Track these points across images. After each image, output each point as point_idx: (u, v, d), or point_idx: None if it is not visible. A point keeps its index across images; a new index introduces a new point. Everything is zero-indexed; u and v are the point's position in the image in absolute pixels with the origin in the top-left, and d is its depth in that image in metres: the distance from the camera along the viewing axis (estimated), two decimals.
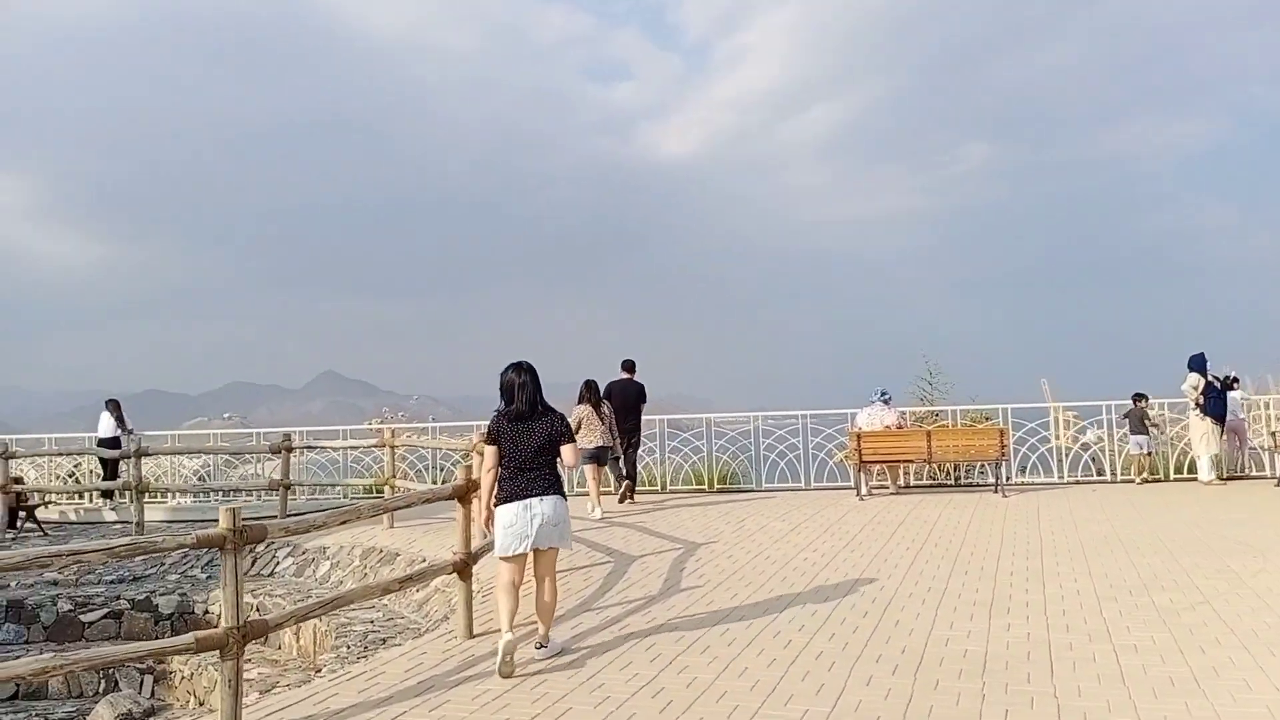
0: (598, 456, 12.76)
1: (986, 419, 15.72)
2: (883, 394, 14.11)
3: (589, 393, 12.89)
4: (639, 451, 14.84)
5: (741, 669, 5.71)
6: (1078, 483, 14.66)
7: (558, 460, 6.12)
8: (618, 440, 13.40)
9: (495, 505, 6.07)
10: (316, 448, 15.56)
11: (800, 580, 8.12)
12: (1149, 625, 6.38)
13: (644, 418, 15.01)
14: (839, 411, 15.63)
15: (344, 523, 6.01)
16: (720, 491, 15.30)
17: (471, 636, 6.83)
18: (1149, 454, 14.45)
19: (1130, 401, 14.58)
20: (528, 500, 5.91)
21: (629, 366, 14.70)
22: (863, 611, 6.96)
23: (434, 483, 14.31)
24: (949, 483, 14.94)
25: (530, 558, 6.08)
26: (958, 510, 11.96)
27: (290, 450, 13.74)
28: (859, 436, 13.41)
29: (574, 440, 6.26)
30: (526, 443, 5.98)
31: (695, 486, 15.51)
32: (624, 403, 14.59)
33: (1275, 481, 13.32)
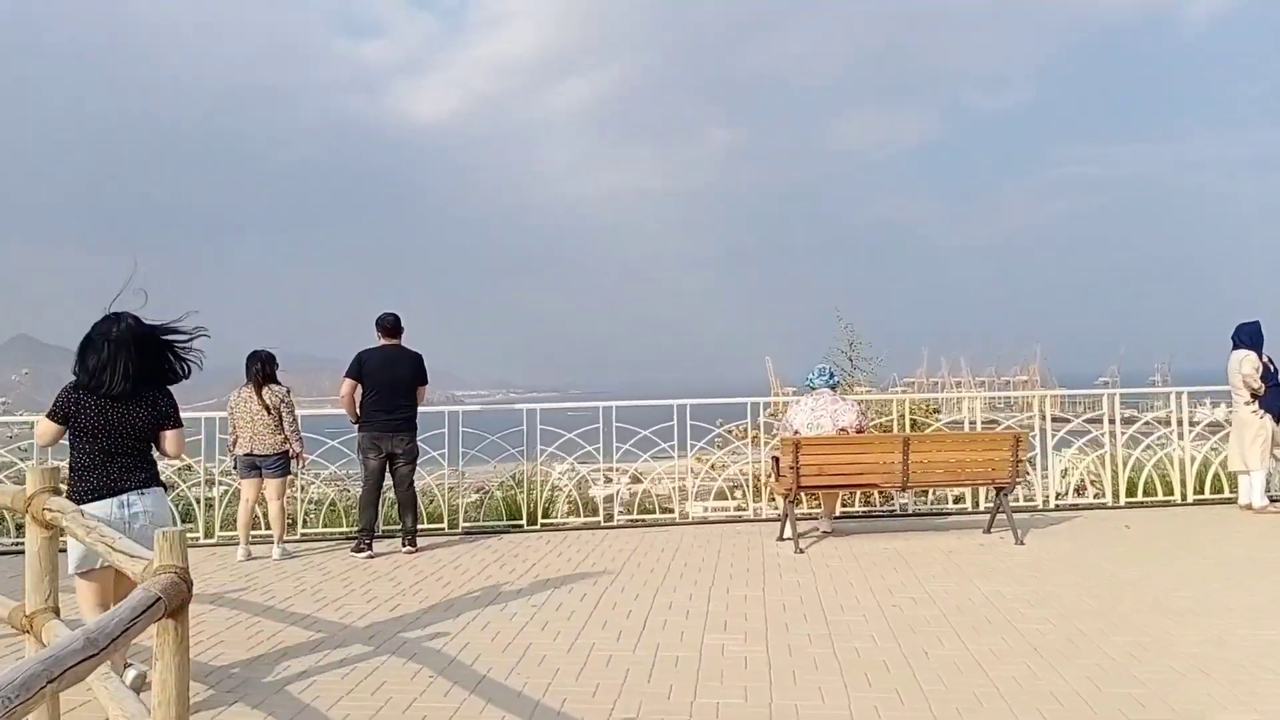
0: (255, 465, 8.37)
1: (935, 411, 10.88)
2: (829, 376, 8.74)
3: (253, 367, 8.54)
4: (415, 465, 8.87)
5: None
6: (1059, 509, 10.03)
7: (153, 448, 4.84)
8: (298, 438, 8.56)
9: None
10: None
11: None
12: None
13: (423, 409, 9.03)
14: (732, 401, 10.21)
15: None
16: (546, 528, 9.52)
17: None
18: None
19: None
20: (124, 495, 4.63)
21: (390, 326, 8.83)
22: None
23: None
24: (892, 511, 9.92)
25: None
26: (990, 578, 6.85)
27: None
28: (796, 445, 8.02)
29: (181, 425, 4.89)
30: (118, 425, 4.65)
31: (509, 521, 9.62)
32: (391, 382, 8.65)
33: None
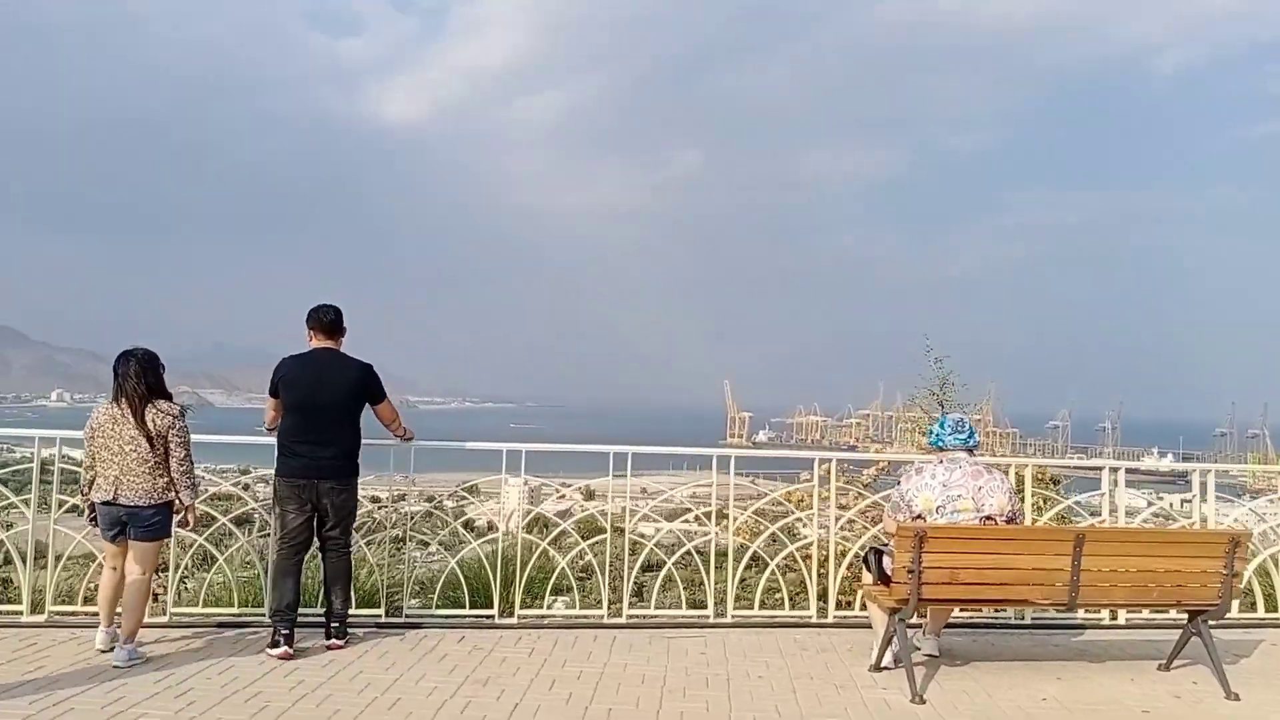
0: (120, 519, 5.51)
1: (1055, 481, 8.22)
2: (969, 434, 5.91)
3: (125, 374, 5.58)
4: (352, 525, 6.19)
5: None
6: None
7: None
8: (189, 483, 5.62)
9: None
10: None
11: None
12: None
13: (368, 442, 6.30)
14: (796, 454, 7.49)
15: None
16: (525, 623, 6.69)
17: None
18: None
19: None
20: None
21: (330, 324, 6.05)
22: None
23: None
24: (1005, 619, 7.20)
25: None
26: None
27: None
28: (920, 537, 5.29)
29: None
30: None
31: (474, 612, 6.77)
32: (317, 403, 5.98)
33: None
